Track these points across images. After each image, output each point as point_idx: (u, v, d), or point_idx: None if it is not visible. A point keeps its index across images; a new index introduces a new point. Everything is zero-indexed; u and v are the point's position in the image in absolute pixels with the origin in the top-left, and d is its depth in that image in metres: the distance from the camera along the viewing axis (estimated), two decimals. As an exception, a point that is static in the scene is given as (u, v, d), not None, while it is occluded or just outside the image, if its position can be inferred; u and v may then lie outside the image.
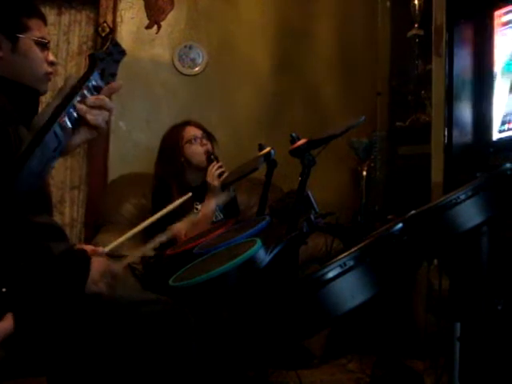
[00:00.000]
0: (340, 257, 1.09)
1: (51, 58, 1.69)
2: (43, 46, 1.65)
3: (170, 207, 2.06)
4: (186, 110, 3.88)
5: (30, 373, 1.53)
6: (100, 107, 1.13)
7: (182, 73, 4.03)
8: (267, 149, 2.06)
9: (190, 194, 2.25)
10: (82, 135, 1.15)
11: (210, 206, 2.76)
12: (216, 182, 2.75)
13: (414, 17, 3.67)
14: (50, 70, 1.69)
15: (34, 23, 1.62)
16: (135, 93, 3.89)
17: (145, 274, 2.84)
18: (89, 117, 1.12)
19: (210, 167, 2.82)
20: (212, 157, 2.87)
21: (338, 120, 3.96)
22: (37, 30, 1.63)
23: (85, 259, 1.55)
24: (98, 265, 1.57)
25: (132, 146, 3.88)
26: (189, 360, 1.57)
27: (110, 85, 1.16)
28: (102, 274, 1.56)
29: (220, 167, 2.80)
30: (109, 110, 1.15)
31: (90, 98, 1.12)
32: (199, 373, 1.56)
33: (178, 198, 2.15)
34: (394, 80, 4.05)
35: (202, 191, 2.82)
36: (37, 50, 1.63)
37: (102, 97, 1.14)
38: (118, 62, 1.17)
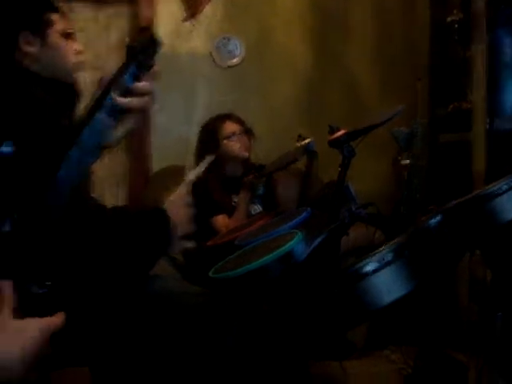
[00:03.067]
0: (378, 250, 1.10)
1: (77, 46, 1.75)
2: (68, 36, 1.71)
3: (196, 171, 2.02)
4: (224, 102, 3.87)
5: (72, 363, 1.55)
6: (142, 93, 1.13)
7: (219, 65, 4.04)
8: (307, 140, 2.06)
9: (213, 157, 2.23)
10: (124, 126, 1.16)
11: (245, 198, 2.74)
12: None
13: (453, 1, 3.63)
14: (78, 59, 1.75)
15: (56, 17, 1.68)
16: (173, 86, 3.89)
17: (185, 264, 2.86)
18: (132, 103, 1.12)
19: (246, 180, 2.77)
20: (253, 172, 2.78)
21: (378, 108, 3.92)
22: (60, 23, 1.69)
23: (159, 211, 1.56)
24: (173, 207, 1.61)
25: (172, 140, 3.88)
26: (227, 352, 1.57)
27: (149, 72, 1.15)
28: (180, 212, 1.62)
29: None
30: (151, 94, 1.15)
31: (133, 85, 1.12)
32: (237, 365, 1.57)
33: (217, 190, 2.16)
34: (434, 66, 3.99)
35: (239, 184, 2.82)
36: (63, 42, 1.70)
37: (143, 83, 1.14)
38: (154, 53, 1.17)
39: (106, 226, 1.42)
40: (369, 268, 1.05)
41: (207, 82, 4.01)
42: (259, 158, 2.99)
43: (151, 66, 1.17)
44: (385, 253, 1.07)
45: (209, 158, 1.89)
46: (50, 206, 1.02)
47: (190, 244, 2.82)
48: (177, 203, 1.66)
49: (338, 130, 1.79)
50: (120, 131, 1.17)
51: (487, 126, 2.83)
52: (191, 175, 1.82)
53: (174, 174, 3.59)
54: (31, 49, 1.65)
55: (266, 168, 2.61)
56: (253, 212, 2.87)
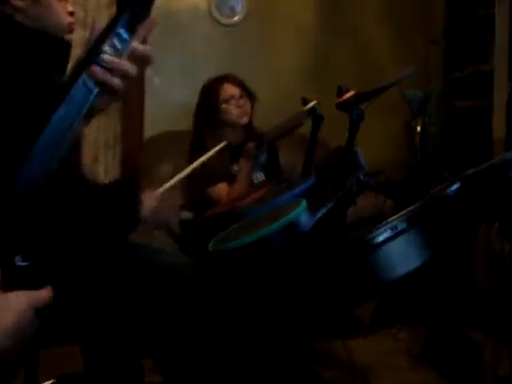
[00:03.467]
0: (391, 219, 1.08)
1: (70, 8, 1.75)
2: None
3: (206, 156, 2.07)
4: (225, 63, 3.84)
5: (64, 340, 1.57)
6: (117, 71, 1.04)
7: (220, 22, 3.99)
8: (312, 102, 2.05)
9: (225, 142, 2.23)
10: (105, 98, 1.10)
11: (246, 166, 2.70)
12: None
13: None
14: (70, 19, 1.76)
15: None
16: (170, 46, 3.87)
17: (182, 236, 2.86)
18: (105, 79, 1.03)
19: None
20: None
21: (390, 71, 3.85)
22: None
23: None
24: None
25: (168, 103, 3.88)
26: (229, 325, 1.59)
27: (145, 23, 1.07)
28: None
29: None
30: (128, 75, 1.06)
31: (108, 58, 1.03)
32: (239, 339, 1.58)
33: (216, 158, 2.15)
34: (451, 27, 3.94)
35: (240, 152, 2.77)
36: (55, 1, 1.71)
37: (121, 61, 1.05)
38: (149, 5, 1.12)
39: (80, 199, 1.48)
40: (380, 238, 1.04)
41: (206, 42, 3.97)
42: (262, 124, 2.93)
43: (147, 16, 1.09)
44: (397, 222, 1.06)
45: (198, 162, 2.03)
46: (34, 171, 1.00)
47: (187, 215, 2.83)
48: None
49: (347, 91, 1.78)
50: (102, 101, 1.11)
51: (509, 91, 2.79)
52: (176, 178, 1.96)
53: (170, 140, 3.62)
54: (21, 3, 1.65)
55: (268, 134, 2.57)
56: (255, 181, 2.85)
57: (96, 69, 1.01)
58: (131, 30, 1.06)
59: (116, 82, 1.03)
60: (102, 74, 1.01)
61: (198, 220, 2.75)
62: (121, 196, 1.58)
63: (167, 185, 1.96)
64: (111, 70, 1.02)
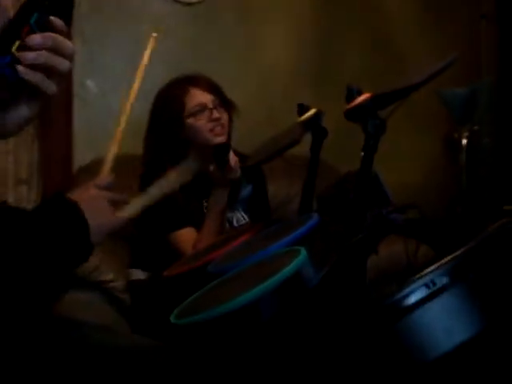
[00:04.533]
0: (427, 272, 1.09)
1: None
2: None
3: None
4: (188, 58, 3.87)
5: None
6: (51, 50, 1.09)
7: (179, 1, 4.01)
8: (312, 111, 2.04)
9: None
10: (22, 109, 1.14)
11: (221, 200, 2.66)
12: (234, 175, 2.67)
13: None
14: None
15: None
16: (111, 36, 3.88)
17: (133, 305, 2.86)
18: (41, 58, 1.08)
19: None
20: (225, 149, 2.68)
21: (420, 63, 3.90)
22: None
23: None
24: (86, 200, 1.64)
25: (107, 117, 3.76)
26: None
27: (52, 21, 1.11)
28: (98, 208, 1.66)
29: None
30: (65, 57, 1.11)
31: (32, 37, 1.08)
32: None
33: (179, 192, 2.12)
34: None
35: (211, 182, 2.73)
36: None
37: (52, 34, 1.09)
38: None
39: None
40: (412, 299, 1.06)
41: (161, 29, 3.95)
42: (244, 144, 2.90)
43: (71, 7, 1.16)
44: (436, 276, 1.07)
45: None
46: None
47: (138, 274, 2.82)
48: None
49: (360, 93, 1.75)
50: (25, 109, 1.15)
51: None
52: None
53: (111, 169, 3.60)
54: None
55: (251, 157, 2.56)
56: (235, 223, 2.87)
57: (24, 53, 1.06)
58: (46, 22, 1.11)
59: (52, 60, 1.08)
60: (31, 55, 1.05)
61: (154, 281, 2.75)
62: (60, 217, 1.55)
63: None
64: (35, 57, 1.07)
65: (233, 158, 2.62)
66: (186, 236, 2.73)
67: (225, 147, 2.67)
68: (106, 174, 1.94)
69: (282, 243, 1.56)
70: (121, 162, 3.50)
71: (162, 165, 2.75)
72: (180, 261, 2.35)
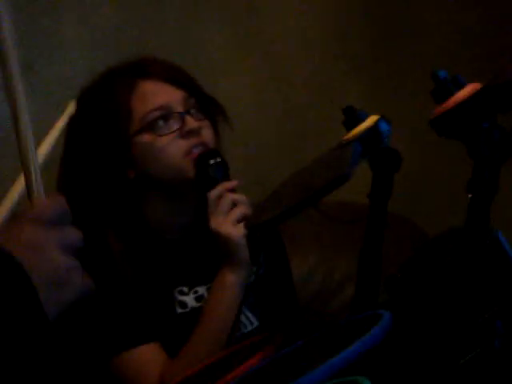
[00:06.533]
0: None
1: None
2: None
3: None
4: (125, 35, 3.13)
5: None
6: None
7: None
8: (371, 118, 1.46)
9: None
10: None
11: (226, 291, 1.89)
12: (236, 232, 1.88)
13: None
14: None
15: None
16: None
17: None
18: None
19: (214, 193, 1.90)
20: (214, 162, 1.91)
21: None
22: None
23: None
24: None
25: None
26: None
27: None
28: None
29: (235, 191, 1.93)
30: None
31: None
32: None
33: (130, 271, 1.75)
34: None
35: (197, 252, 2.00)
36: None
37: None
38: None
39: None
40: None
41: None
42: (246, 179, 2.23)
43: None
44: None
45: None
46: None
47: None
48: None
49: (463, 84, 1.37)
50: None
51: None
52: None
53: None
54: None
55: (260, 209, 1.84)
56: (243, 329, 2.11)
57: None
58: None
59: None
60: None
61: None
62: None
63: None
64: None
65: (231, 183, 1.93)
66: (145, 359, 1.92)
67: (212, 154, 1.94)
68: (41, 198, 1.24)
69: (327, 370, 1.14)
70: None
71: (96, 229, 1.95)
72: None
